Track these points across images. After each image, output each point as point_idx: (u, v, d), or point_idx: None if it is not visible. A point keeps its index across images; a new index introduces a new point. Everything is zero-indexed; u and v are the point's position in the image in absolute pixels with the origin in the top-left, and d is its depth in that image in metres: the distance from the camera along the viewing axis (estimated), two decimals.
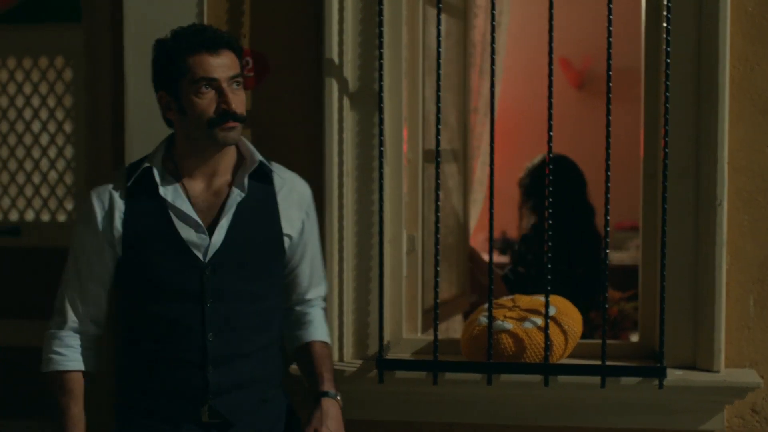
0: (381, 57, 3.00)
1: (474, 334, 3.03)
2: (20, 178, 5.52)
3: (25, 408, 5.28)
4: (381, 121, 3.01)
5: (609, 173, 2.91)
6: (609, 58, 2.90)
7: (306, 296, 2.74)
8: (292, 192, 2.64)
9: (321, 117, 3.13)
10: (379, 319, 3.03)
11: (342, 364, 3.10)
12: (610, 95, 2.93)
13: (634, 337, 3.87)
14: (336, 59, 3.08)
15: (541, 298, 3.06)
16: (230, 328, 2.51)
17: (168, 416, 2.52)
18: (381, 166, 3.01)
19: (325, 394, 2.61)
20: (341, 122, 3.09)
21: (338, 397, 2.63)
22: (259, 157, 2.58)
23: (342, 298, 3.12)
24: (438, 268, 2.99)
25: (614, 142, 2.95)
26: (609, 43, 2.89)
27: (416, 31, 3.25)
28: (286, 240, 2.61)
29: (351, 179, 3.11)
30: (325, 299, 2.82)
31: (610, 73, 2.90)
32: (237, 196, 2.54)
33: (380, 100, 3.01)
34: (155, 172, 2.56)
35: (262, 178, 2.59)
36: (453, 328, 3.96)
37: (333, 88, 3.08)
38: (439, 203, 3.00)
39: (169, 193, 2.54)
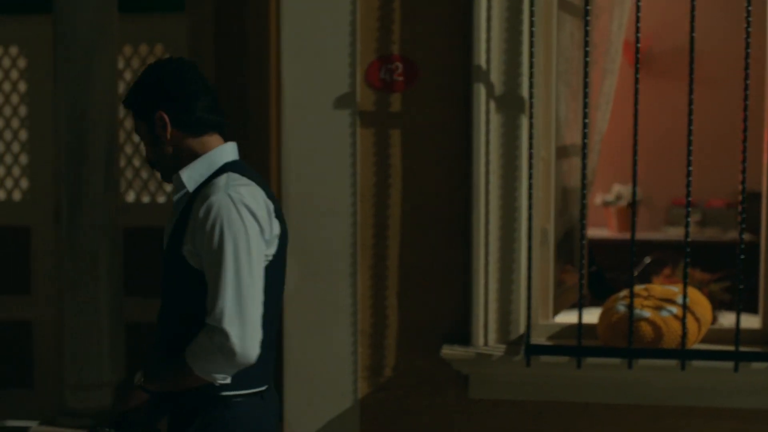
0: (532, 65, 3.23)
1: (613, 321, 3.27)
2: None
3: None
4: (531, 124, 3.24)
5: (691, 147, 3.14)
6: (692, 41, 3.14)
7: None
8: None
9: (467, 119, 3.36)
10: (527, 308, 3.27)
11: (487, 348, 3.35)
12: (693, 76, 3.18)
13: (722, 318, 4.07)
14: (483, 65, 3.30)
15: (673, 288, 3.31)
16: None
17: None
18: (531, 166, 3.25)
19: None
20: (488, 124, 3.32)
21: None
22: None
23: (487, 287, 3.36)
24: (583, 261, 3.23)
25: (678, 121, 3.17)
26: (692, 27, 3.12)
27: (550, 35, 3.46)
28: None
29: (496, 177, 3.34)
30: None
31: (693, 54, 3.28)
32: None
33: (531, 104, 3.23)
34: None
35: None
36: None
37: (480, 92, 3.31)
38: (586, 200, 3.23)
39: None
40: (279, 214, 2.50)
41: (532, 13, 3.22)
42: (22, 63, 5.80)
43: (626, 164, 3.91)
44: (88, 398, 3.88)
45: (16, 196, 5.85)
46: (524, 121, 3.31)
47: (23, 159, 5.82)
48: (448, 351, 3.35)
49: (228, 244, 2.34)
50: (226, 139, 2.55)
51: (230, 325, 2.31)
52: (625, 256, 3.48)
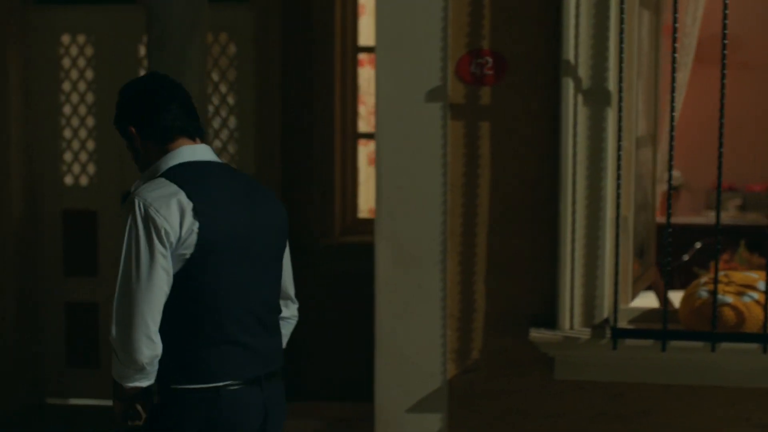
0: (622, 60, 3.36)
1: (696, 306, 3.42)
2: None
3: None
4: (620, 117, 3.37)
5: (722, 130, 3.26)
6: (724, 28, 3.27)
7: None
8: None
9: (554, 111, 3.49)
10: (614, 293, 3.42)
11: (573, 332, 3.50)
12: (725, 61, 3.33)
13: None
14: (572, 60, 3.44)
15: (752, 275, 3.45)
16: None
17: None
18: (619, 158, 3.39)
19: None
20: (575, 117, 3.45)
21: None
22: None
23: (573, 273, 3.50)
24: (669, 249, 3.38)
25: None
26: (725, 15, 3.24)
27: (633, 29, 3.59)
28: None
29: (582, 167, 3.48)
30: None
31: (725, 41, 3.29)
32: None
33: (620, 98, 3.37)
34: None
35: None
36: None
37: (569, 86, 3.44)
38: (672, 190, 3.37)
39: None
40: (208, 212, 2.63)
41: (622, 10, 3.35)
42: (89, 51, 5.95)
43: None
44: None
45: (83, 181, 6.01)
46: (609, 113, 3.45)
47: (90, 145, 5.98)
48: (536, 334, 3.50)
49: (123, 247, 2.63)
50: (202, 140, 2.79)
51: (114, 327, 2.60)
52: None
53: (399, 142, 3.57)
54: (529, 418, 3.63)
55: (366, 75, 5.83)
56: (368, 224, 5.84)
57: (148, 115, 2.73)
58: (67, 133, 5.98)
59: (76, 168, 6.00)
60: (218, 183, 2.72)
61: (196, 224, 2.61)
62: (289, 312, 2.97)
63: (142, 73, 5.90)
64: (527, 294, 3.60)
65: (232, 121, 5.89)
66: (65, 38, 5.94)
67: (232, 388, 2.70)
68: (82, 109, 5.96)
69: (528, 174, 3.56)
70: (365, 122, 5.89)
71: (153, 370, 2.63)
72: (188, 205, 2.62)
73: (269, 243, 2.82)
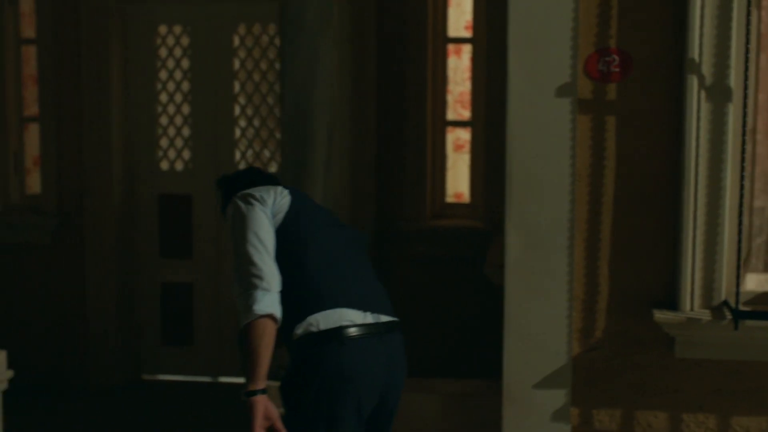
0: (747, 60, 3.58)
1: None
2: (278, 134, 6.16)
3: None
4: (745, 113, 3.60)
5: None
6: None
7: None
8: None
9: (677, 107, 3.72)
10: (736, 277, 3.65)
11: (693, 313, 3.74)
12: None
13: None
14: (696, 58, 3.65)
15: None
16: None
17: None
18: (743, 151, 3.61)
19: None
20: (698, 113, 3.68)
21: None
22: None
23: (694, 257, 3.73)
24: None
25: None
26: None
27: (752, 26, 3.80)
28: None
29: (704, 160, 3.70)
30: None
31: None
32: None
33: (746, 95, 3.59)
34: None
35: None
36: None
37: (693, 84, 3.66)
38: None
39: None
40: (292, 199, 3.28)
41: (749, 12, 3.57)
42: (185, 41, 6.18)
43: None
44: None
45: (179, 166, 6.26)
46: (731, 109, 3.67)
47: (185, 131, 6.22)
48: (660, 316, 3.73)
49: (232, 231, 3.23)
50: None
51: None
52: None
53: (529, 135, 3.80)
54: (647, 393, 3.87)
55: (452, 65, 6.04)
56: (455, 208, 6.09)
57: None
58: (164, 120, 6.22)
59: (172, 153, 6.25)
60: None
61: (287, 197, 3.25)
62: None
63: (237, 63, 6.14)
64: (648, 277, 3.83)
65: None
66: (162, 29, 6.18)
67: (354, 335, 3.10)
68: (178, 97, 6.20)
69: (650, 165, 3.79)
70: (451, 110, 6.11)
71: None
72: (282, 190, 3.29)
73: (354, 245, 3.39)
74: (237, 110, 6.15)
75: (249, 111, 6.13)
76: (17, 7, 6.20)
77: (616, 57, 3.76)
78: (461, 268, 5.83)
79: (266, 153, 6.16)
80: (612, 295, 3.86)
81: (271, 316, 3.08)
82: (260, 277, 3.09)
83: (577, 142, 3.79)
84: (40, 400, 5.17)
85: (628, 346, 3.87)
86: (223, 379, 6.37)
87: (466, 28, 6.03)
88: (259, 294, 3.07)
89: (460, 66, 6.04)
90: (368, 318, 3.21)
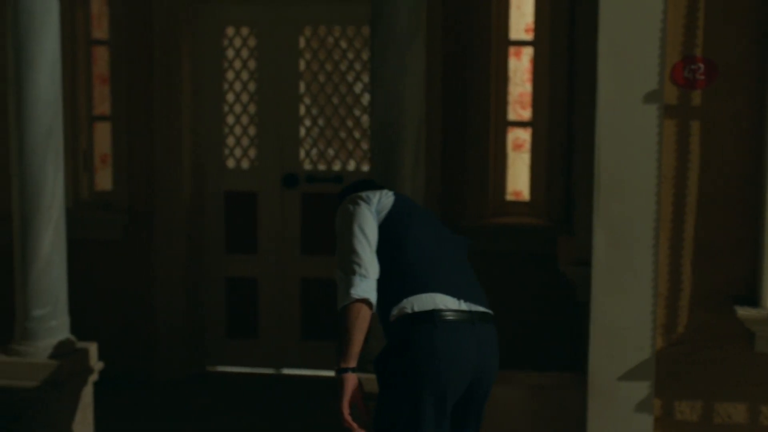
0: None
1: None
2: (342, 133, 6.34)
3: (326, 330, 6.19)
4: None
5: None
6: None
7: None
8: None
9: (760, 113, 3.89)
10: None
11: None
12: None
13: None
14: None
15: None
16: None
17: None
18: None
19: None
20: None
21: None
22: None
23: None
24: None
25: None
26: None
27: None
28: None
29: None
30: None
31: None
32: None
33: None
34: None
35: None
36: None
37: None
38: None
39: None
40: (396, 199, 3.55)
41: None
42: (252, 42, 6.35)
43: None
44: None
45: (245, 164, 6.44)
46: None
47: (251, 131, 6.40)
48: (741, 312, 3.91)
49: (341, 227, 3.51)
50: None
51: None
52: None
53: (617, 139, 3.97)
54: (727, 386, 4.05)
55: (511, 66, 6.20)
56: (514, 206, 6.26)
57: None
58: (230, 119, 6.40)
59: (238, 152, 6.43)
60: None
61: (391, 197, 3.53)
62: None
63: (303, 64, 6.32)
64: (730, 275, 4.01)
65: None
66: (230, 30, 6.35)
67: (447, 318, 3.32)
68: (245, 97, 6.38)
69: (733, 167, 3.96)
70: (511, 110, 6.28)
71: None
72: (387, 192, 3.58)
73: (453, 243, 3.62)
74: (302, 110, 6.32)
75: (314, 111, 6.30)
76: (88, 8, 6.37)
77: (701, 65, 3.94)
78: (525, 263, 6.01)
79: (330, 152, 6.34)
80: (694, 292, 4.04)
81: (366, 301, 3.33)
82: (359, 265, 3.35)
83: (662, 145, 3.96)
84: (109, 391, 5.34)
85: (709, 340, 4.05)
86: (286, 371, 6.55)
87: (526, 30, 6.19)
88: (357, 279, 3.34)
89: (519, 68, 6.21)
90: (462, 305, 3.42)
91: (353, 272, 3.35)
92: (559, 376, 4.43)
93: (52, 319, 4.66)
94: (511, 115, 6.24)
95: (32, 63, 4.50)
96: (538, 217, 6.16)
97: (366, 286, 3.34)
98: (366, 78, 6.20)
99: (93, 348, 4.85)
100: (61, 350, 4.65)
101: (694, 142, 3.98)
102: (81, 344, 4.79)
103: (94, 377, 4.87)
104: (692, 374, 4.08)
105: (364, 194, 3.54)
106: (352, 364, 3.34)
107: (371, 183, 3.72)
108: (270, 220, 6.40)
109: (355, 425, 3.34)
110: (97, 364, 4.87)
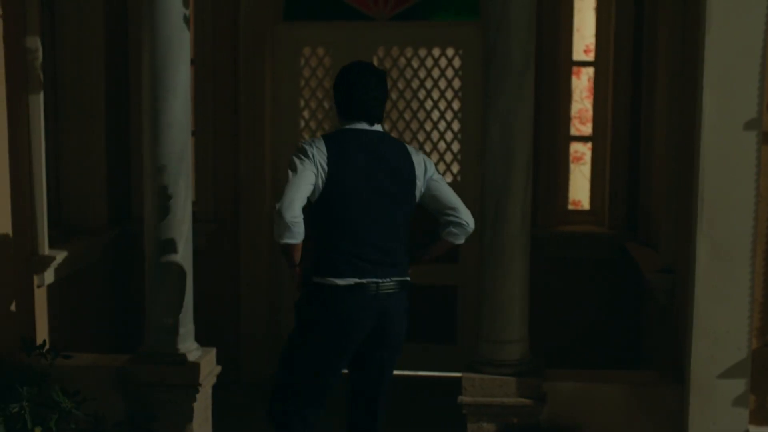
0: None
1: None
2: (414, 146, 6.71)
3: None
4: None
5: None
6: None
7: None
8: None
9: None
10: None
11: None
12: None
13: None
14: None
15: None
16: None
17: None
18: None
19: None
20: None
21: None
22: None
23: None
24: None
25: None
26: None
27: None
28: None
29: None
30: None
31: None
32: None
33: None
34: None
35: None
36: None
37: None
38: None
39: None
40: (343, 161, 4.09)
41: None
42: (327, 62, 6.73)
43: None
44: (503, 351, 4.87)
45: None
46: None
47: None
48: None
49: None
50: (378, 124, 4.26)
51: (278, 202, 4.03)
52: None
53: (720, 161, 4.43)
54: None
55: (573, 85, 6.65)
56: (576, 215, 6.71)
57: (342, 103, 4.25)
58: (306, 135, 6.77)
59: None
60: (357, 140, 4.15)
61: (325, 155, 4.05)
62: (458, 217, 4.27)
63: None
64: None
65: (456, 125, 6.71)
66: (306, 50, 6.72)
67: (347, 280, 4.05)
68: (320, 114, 6.75)
69: None
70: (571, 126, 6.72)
71: (295, 230, 3.96)
72: (322, 143, 4.11)
73: (390, 186, 4.14)
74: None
75: (386, 126, 6.69)
76: None
77: None
78: (589, 268, 6.47)
79: None
80: None
81: (289, 243, 4.02)
82: (290, 206, 3.95)
83: (761, 168, 4.43)
84: None
85: None
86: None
87: (585, 51, 6.64)
88: (282, 225, 3.95)
89: (578, 86, 6.66)
90: (366, 267, 4.09)
91: (287, 218, 3.95)
92: (656, 374, 4.87)
93: (182, 326, 5.02)
94: (572, 131, 6.68)
95: (169, 88, 4.83)
96: (598, 225, 6.61)
97: (289, 233, 3.97)
98: (435, 95, 6.61)
99: (213, 353, 5.22)
100: (191, 355, 5.02)
101: None
102: (204, 349, 5.16)
103: (213, 380, 5.23)
104: None
105: (306, 148, 4.11)
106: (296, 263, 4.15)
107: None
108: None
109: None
110: (216, 369, 5.24)
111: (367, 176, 4.12)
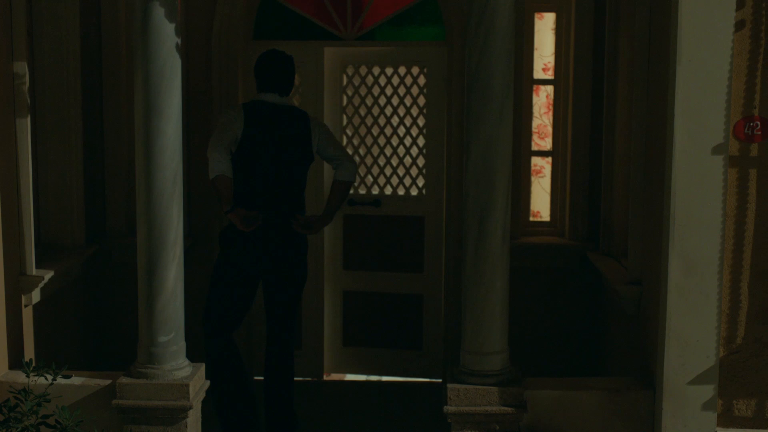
0: None
1: None
2: (381, 161, 7.00)
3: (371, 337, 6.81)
4: None
5: None
6: None
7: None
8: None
9: None
10: None
11: None
12: None
13: None
14: None
15: None
16: None
17: None
18: None
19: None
20: None
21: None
22: None
23: None
24: None
25: None
26: None
27: None
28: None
29: None
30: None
31: None
32: None
33: None
34: None
35: None
36: None
37: None
38: None
39: None
40: (255, 122, 5.59)
41: None
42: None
43: None
44: (486, 362, 5.12)
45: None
46: None
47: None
48: None
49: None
50: (286, 95, 5.72)
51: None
52: None
53: (690, 183, 4.74)
54: None
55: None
56: (536, 226, 7.01)
57: (258, 78, 5.68)
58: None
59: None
60: (266, 109, 5.60)
61: (242, 116, 5.51)
62: (342, 161, 5.75)
63: (345, 99, 6.94)
64: None
65: (421, 140, 6.97)
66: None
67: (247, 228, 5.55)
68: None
69: None
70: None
71: (214, 166, 5.44)
72: (241, 110, 5.57)
73: (287, 148, 5.59)
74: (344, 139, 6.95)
75: (354, 141, 6.92)
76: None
77: (758, 123, 4.76)
78: (550, 277, 6.78)
79: (369, 178, 6.97)
80: (750, 310, 4.88)
81: (220, 175, 5.43)
82: (217, 152, 5.47)
83: (727, 189, 4.76)
84: None
85: (762, 349, 4.90)
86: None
87: (543, 69, 6.94)
88: (213, 163, 5.43)
89: (537, 102, 6.95)
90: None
91: (213, 158, 5.44)
92: (629, 380, 5.18)
93: (173, 344, 5.17)
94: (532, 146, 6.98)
95: (162, 114, 4.96)
96: (558, 236, 6.92)
97: (218, 167, 5.42)
98: (401, 111, 6.87)
99: (202, 368, 5.38)
100: (182, 372, 5.17)
101: (751, 186, 4.81)
102: (194, 365, 5.31)
103: (203, 395, 5.39)
104: (748, 378, 4.91)
105: (230, 111, 5.60)
106: (229, 207, 5.49)
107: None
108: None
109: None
110: (205, 383, 5.40)
111: (271, 134, 5.52)
